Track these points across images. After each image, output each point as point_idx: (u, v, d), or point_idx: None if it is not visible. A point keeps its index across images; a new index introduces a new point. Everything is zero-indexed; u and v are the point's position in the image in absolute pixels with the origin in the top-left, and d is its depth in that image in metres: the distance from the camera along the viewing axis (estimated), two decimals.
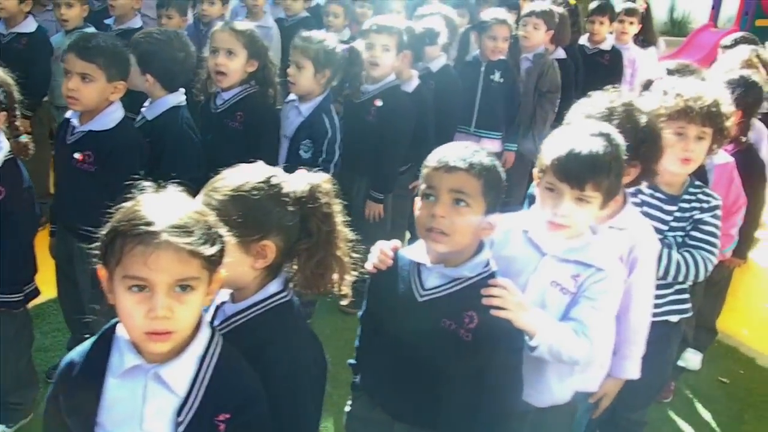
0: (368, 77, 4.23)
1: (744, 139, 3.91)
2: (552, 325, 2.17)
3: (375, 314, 2.32)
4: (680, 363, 4.11)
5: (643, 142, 2.45)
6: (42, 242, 3.41)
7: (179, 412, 1.68)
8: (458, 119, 5.08)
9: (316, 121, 3.93)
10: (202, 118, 4.11)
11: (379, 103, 4.17)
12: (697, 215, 2.91)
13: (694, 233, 2.90)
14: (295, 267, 1.97)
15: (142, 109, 3.70)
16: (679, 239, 2.91)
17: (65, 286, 3.58)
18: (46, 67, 5.13)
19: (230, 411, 1.70)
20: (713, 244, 2.88)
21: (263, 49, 3.96)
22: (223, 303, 1.98)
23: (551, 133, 2.32)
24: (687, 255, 2.86)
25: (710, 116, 2.80)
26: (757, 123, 4.15)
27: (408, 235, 4.59)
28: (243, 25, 3.99)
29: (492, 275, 2.14)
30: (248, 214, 1.85)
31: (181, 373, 1.69)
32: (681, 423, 3.85)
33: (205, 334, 1.74)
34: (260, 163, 1.98)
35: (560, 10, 5.65)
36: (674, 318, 3.00)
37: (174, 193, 1.71)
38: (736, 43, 4.95)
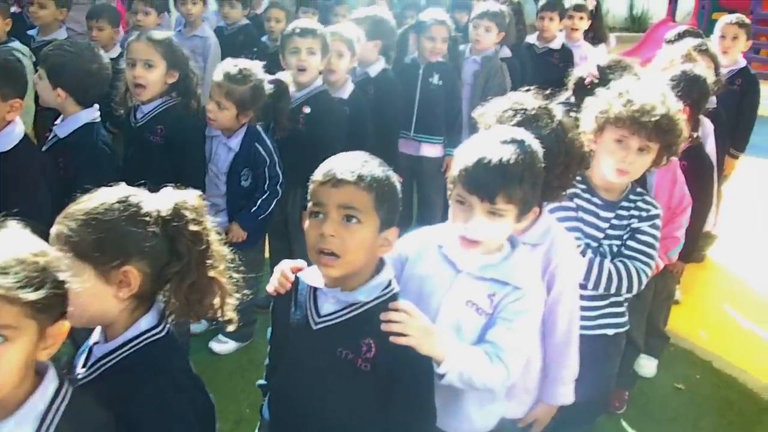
0: (296, 83, 4.05)
1: (695, 135, 3.78)
2: (462, 349, 1.98)
3: (278, 339, 2.14)
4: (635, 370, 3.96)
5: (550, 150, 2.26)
6: None
7: None
8: (400, 125, 4.91)
9: (251, 152, 3.77)
10: (123, 132, 3.91)
11: (307, 110, 3.99)
12: (635, 224, 2.74)
13: (630, 243, 2.74)
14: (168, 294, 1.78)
15: (54, 127, 3.48)
16: (615, 248, 2.74)
17: None
18: None
19: None
20: (650, 255, 2.72)
21: (183, 59, 3.77)
22: (95, 343, 1.78)
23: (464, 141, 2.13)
24: (620, 266, 2.69)
25: (658, 131, 2.60)
26: (702, 119, 4.01)
27: None
28: (161, 34, 3.79)
29: (393, 297, 1.95)
30: (103, 238, 1.66)
31: None
32: None
33: (48, 388, 1.52)
34: (121, 185, 1.79)
35: (504, 8, 5.48)
36: (610, 331, 2.83)
37: (10, 230, 1.50)
38: (681, 37, 4.80)
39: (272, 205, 3.69)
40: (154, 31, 3.89)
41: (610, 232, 2.75)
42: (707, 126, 4.11)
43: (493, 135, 2.06)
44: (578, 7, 6.28)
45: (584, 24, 6.30)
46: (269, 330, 2.21)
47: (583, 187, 2.77)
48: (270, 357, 2.23)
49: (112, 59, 3.78)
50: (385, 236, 1.93)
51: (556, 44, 6.11)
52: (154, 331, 1.75)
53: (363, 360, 1.87)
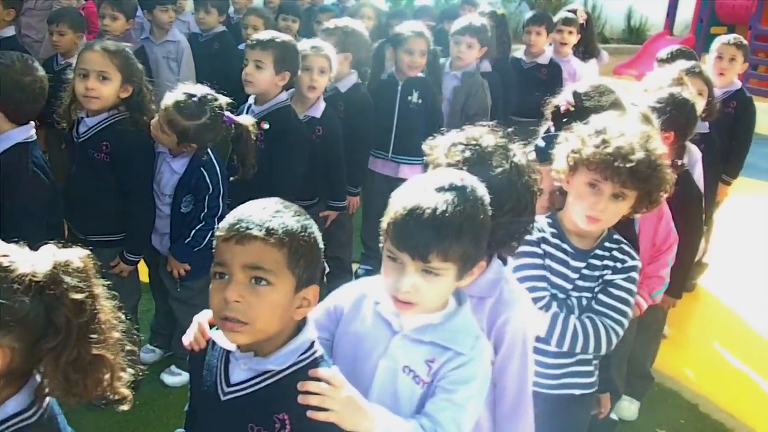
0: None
1: (680, 163, 3.51)
2: (394, 425, 1.70)
3: (194, 398, 1.87)
4: (613, 415, 3.66)
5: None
6: None
7: None
8: (371, 143, 4.65)
9: (195, 176, 3.47)
10: (67, 148, 3.63)
11: (265, 126, 3.71)
12: (608, 276, 2.44)
13: (601, 297, 2.44)
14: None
15: None
16: (584, 302, 2.45)
17: None
18: None
19: None
20: (622, 313, 2.42)
21: (139, 73, 3.50)
22: None
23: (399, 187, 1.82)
24: (588, 323, 2.39)
25: (634, 178, 2.29)
26: (690, 146, 3.74)
27: None
28: (117, 45, 3.51)
29: (314, 363, 1.68)
30: None
31: None
32: None
33: None
34: None
35: (484, 20, 5.20)
36: (576, 392, 2.54)
37: None
38: (673, 57, 4.54)
39: (207, 238, 3.38)
40: (110, 42, 3.60)
41: (580, 283, 2.46)
42: (694, 153, 3.84)
43: (429, 181, 1.75)
44: (567, 21, 6.01)
45: (573, 38, 6.03)
46: None
47: (553, 231, 2.47)
48: (189, 405, 1.95)
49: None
50: (303, 296, 1.66)
51: (543, 59, 5.84)
52: (20, 417, 1.45)
53: None
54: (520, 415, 2.05)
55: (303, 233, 1.64)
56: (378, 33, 6.03)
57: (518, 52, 6.08)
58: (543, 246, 2.44)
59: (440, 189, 1.70)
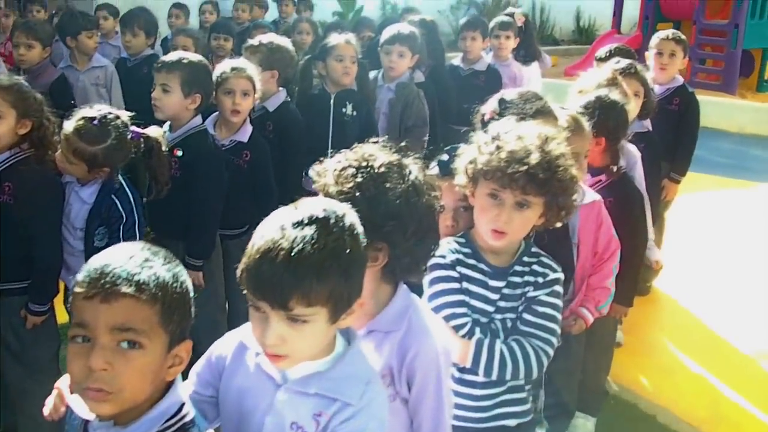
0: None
1: (615, 168, 3.36)
2: None
3: None
4: None
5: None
6: None
7: None
8: (303, 162, 4.43)
9: (105, 205, 3.22)
10: None
11: (178, 153, 3.49)
12: (531, 292, 2.26)
13: (526, 316, 2.25)
14: None
15: None
16: (509, 323, 2.26)
17: None
18: None
19: None
20: (550, 330, 2.24)
21: (37, 105, 3.24)
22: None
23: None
24: (515, 346, 2.21)
25: (534, 182, 2.11)
26: (628, 146, 3.60)
27: None
28: (9, 79, 3.27)
29: (182, 429, 1.47)
30: None
31: None
32: None
33: None
34: None
35: (413, 28, 5.03)
36: (511, 422, 2.34)
37: None
38: (611, 54, 4.41)
39: None
40: (1, 77, 3.37)
41: (502, 304, 2.26)
42: (633, 154, 3.70)
43: (287, 215, 1.54)
44: (503, 25, 5.84)
45: (511, 43, 5.86)
46: None
47: (468, 251, 2.28)
48: None
49: None
50: (176, 353, 1.47)
51: (481, 65, 5.66)
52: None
53: None
54: None
55: (176, 284, 1.44)
56: (316, 48, 5.86)
57: (456, 59, 5.91)
58: (459, 268, 2.25)
59: (298, 224, 1.49)
